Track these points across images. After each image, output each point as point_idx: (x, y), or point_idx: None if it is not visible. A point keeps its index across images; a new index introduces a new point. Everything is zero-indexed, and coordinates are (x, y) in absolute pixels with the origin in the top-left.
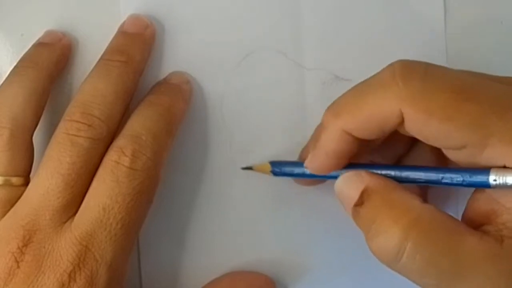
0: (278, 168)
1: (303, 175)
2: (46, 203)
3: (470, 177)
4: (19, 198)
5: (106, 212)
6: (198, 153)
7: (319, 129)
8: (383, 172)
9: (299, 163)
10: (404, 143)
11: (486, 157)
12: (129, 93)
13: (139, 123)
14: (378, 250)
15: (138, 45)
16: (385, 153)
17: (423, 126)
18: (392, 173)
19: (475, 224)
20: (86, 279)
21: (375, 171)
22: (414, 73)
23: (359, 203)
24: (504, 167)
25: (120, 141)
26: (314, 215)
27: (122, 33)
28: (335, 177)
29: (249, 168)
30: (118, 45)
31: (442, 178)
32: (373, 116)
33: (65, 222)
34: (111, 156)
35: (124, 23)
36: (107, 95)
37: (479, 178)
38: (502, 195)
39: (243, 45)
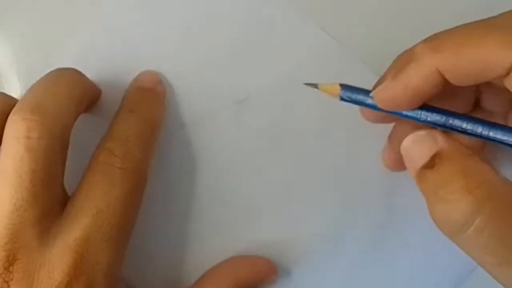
0: (349, 93)
1: (373, 107)
2: (19, 220)
3: None
4: None
5: (100, 216)
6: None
7: (404, 60)
8: (468, 126)
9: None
10: (468, 102)
11: None
12: (83, 97)
13: (124, 127)
14: (442, 218)
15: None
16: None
17: None
18: (479, 129)
19: None
20: (86, 287)
21: (454, 123)
22: None
23: (429, 166)
24: None
25: (108, 143)
26: (316, 199)
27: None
28: (402, 116)
29: (313, 85)
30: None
31: None
32: (479, 60)
33: (49, 231)
34: (100, 157)
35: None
36: (59, 92)
37: None
38: None
39: None
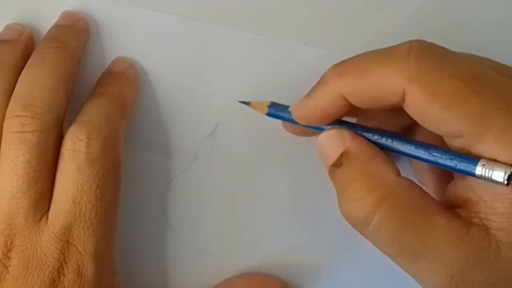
0: (275, 110)
1: (294, 121)
2: (15, 207)
3: (458, 161)
4: None
5: (76, 204)
6: None
7: (318, 82)
8: (373, 137)
9: None
10: (406, 121)
11: (479, 150)
12: (69, 78)
13: (90, 110)
14: (348, 214)
15: (72, 33)
16: (386, 125)
17: (424, 108)
18: (383, 139)
19: (450, 204)
20: (74, 272)
21: (364, 134)
22: (429, 55)
23: (337, 164)
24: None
25: (73, 127)
26: (329, 215)
27: (55, 26)
28: (321, 130)
29: (247, 103)
30: (52, 34)
31: (431, 155)
32: (375, 87)
33: (40, 220)
34: (67, 144)
35: (57, 20)
36: (46, 81)
37: (465, 166)
38: (483, 188)
39: None
